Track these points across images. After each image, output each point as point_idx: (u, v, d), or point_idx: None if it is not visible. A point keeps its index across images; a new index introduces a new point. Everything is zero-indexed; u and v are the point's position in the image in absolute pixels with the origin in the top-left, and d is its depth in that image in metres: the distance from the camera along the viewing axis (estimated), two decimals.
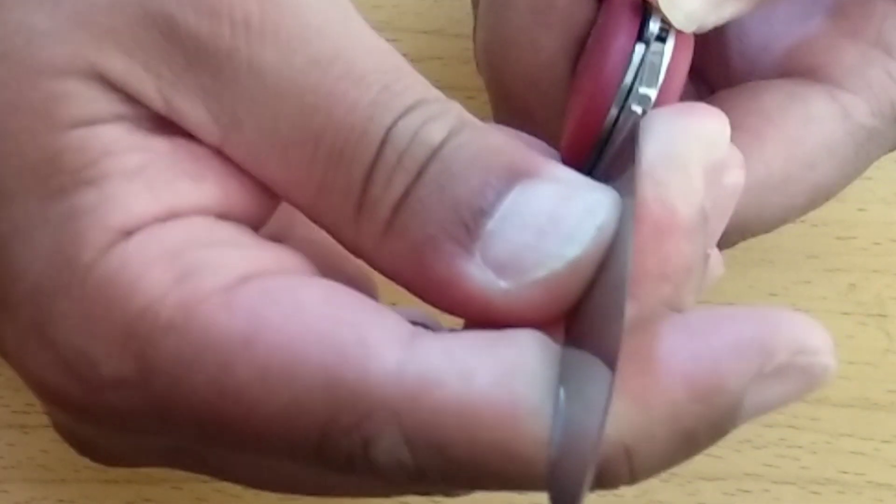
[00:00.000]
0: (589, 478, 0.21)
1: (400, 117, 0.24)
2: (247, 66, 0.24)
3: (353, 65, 0.24)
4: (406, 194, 0.24)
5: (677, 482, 0.37)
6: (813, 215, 0.38)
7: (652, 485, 0.37)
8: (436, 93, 0.25)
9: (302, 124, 0.24)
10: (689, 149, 0.24)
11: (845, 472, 0.37)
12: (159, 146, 0.24)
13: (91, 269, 0.23)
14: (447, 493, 0.28)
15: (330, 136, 0.24)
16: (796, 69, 0.31)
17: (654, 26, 0.27)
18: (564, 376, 0.22)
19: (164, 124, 0.24)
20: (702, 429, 0.23)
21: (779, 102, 0.30)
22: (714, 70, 0.33)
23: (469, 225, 0.23)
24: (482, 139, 0.24)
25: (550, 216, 0.23)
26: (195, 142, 0.25)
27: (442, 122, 0.24)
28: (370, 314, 0.23)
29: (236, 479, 0.27)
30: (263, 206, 0.26)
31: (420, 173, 0.24)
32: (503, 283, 0.23)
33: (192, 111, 0.24)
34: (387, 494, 0.27)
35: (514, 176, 0.24)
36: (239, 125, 0.24)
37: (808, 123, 0.30)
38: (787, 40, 0.32)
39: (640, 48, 0.27)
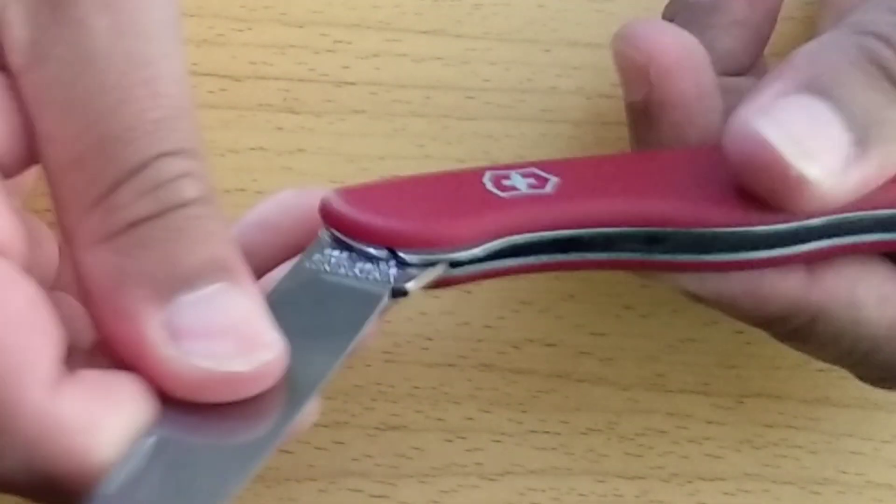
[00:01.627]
0: None
1: (172, 153, 0.25)
2: (80, 19, 0.25)
3: (159, 80, 0.25)
4: (143, 222, 0.25)
5: (677, 482, 0.37)
6: None
7: (652, 485, 0.37)
8: (202, 150, 0.26)
9: (92, 95, 0.25)
10: None
11: (845, 472, 0.37)
12: None
13: None
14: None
15: (108, 123, 0.25)
16: None
17: None
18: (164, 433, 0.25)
19: None
20: None
21: None
22: None
23: (174, 286, 0.25)
24: (217, 220, 0.26)
25: (236, 325, 0.25)
26: None
27: (199, 183, 0.26)
28: (44, 344, 0.25)
29: None
30: (23, 158, 0.26)
31: (162, 214, 0.25)
32: (172, 350, 0.25)
33: (18, 25, 0.25)
34: None
35: (226, 272, 0.25)
36: (45, 63, 0.25)
37: None
38: None
39: None
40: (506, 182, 0.29)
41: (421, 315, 0.36)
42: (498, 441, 0.36)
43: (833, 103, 0.28)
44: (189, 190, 0.25)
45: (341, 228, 0.28)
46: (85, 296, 0.26)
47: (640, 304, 0.37)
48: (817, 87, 0.28)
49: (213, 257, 0.25)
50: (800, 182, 0.28)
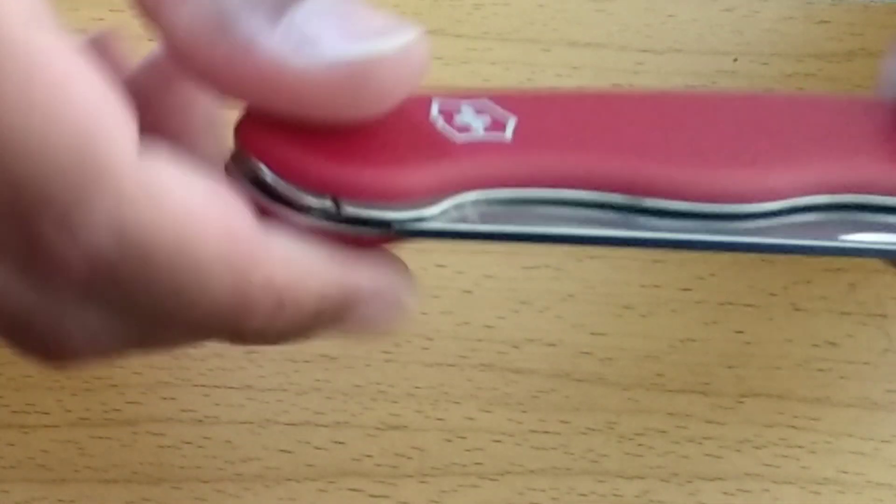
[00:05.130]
0: None
1: None
2: None
3: None
4: None
5: (677, 482, 0.37)
6: None
7: (652, 485, 0.37)
8: None
9: None
10: None
11: (845, 472, 0.37)
12: None
13: None
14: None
15: None
16: None
17: None
18: None
19: None
20: None
21: None
22: None
23: (278, 5, 0.24)
24: None
25: (362, 13, 0.24)
26: None
27: None
28: (128, 116, 0.23)
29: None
30: None
31: None
32: (307, 52, 0.23)
33: None
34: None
35: None
36: None
37: None
38: None
39: None
40: (458, 119, 0.25)
41: (421, 315, 0.36)
42: (498, 441, 0.37)
43: None
44: None
45: (269, 162, 0.24)
46: (185, 54, 0.24)
47: (640, 304, 0.37)
48: None
49: None
50: None
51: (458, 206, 0.25)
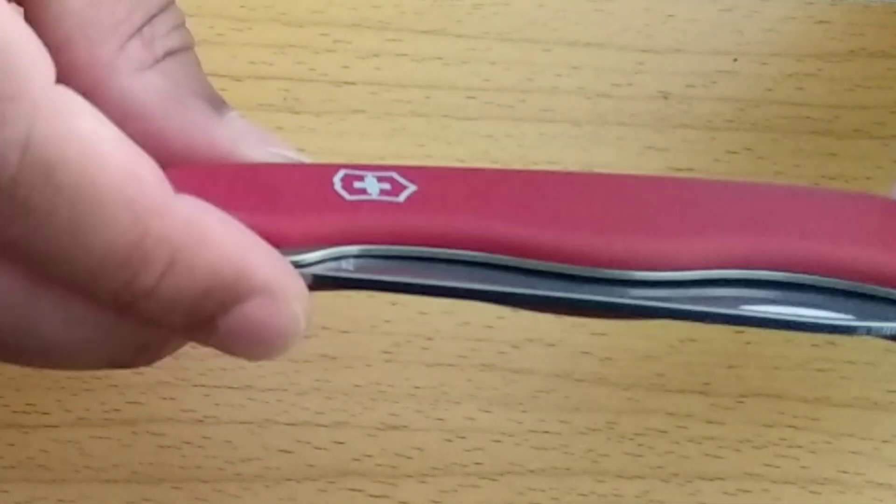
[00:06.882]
0: None
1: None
2: None
3: None
4: (177, 52, 0.27)
5: (677, 482, 0.37)
6: None
7: (652, 485, 0.37)
8: None
9: None
10: None
11: (845, 472, 0.37)
12: None
13: None
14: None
15: None
16: None
17: None
18: None
19: None
20: None
21: None
22: None
23: (219, 104, 0.28)
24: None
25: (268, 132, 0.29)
26: None
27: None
28: (44, 49, 0.25)
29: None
30: None
31: (187, 49, 0.28)
32: (242, 147, 0.27)
33: None
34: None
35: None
36: None
37: None
38: None
39: None
40: (357, 184, 0.27)
41: (421, 315, 0.36)
42: (498, 441, 0.37)
43: None
44: (191, 34, 0.28)
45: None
46: (132, 118, 0.26)
47: None
48: None
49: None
50: None
51: (337, 257, 0.26)
